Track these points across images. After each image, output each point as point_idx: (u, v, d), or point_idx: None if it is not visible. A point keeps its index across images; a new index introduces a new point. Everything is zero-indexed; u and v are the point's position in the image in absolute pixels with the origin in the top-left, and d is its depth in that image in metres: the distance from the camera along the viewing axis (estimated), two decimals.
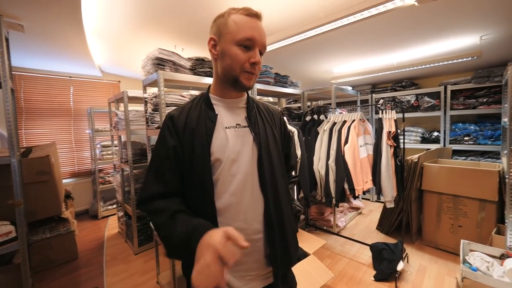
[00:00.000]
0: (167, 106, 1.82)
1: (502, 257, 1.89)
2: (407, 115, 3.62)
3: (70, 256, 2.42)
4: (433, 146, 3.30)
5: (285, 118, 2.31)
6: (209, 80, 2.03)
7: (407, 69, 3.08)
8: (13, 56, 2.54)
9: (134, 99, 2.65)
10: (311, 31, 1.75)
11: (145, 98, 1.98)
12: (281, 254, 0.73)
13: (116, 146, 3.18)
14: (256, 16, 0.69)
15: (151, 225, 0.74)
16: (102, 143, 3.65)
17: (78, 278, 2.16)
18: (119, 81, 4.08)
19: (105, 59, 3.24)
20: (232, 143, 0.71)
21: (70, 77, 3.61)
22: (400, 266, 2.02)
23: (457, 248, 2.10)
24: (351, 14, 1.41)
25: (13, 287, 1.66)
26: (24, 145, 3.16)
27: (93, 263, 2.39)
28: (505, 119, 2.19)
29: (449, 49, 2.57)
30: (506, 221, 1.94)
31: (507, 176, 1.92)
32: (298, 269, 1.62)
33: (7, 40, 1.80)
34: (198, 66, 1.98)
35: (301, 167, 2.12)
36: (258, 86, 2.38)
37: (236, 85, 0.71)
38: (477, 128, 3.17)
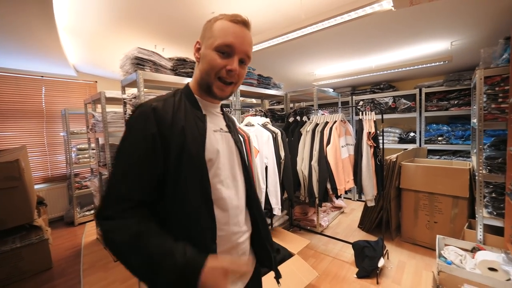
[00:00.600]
0: None
1: (474, 250, 2.01)
2: (385, 116, 3.77)
3: (44, 266, 2.27)
4: (409, 146, 3.46)
5: (268, 119, 2.32)
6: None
7: (385, 72, 3.20)
8: None
9: (112, 100, 2.54)
10: (292, 33, 1.78)
11: (124, 99, 1.90)
12: (261, 251, 0.79)
13: (93, 149, 3.03)
14: (243, 23, 0.68)
15: (110, 243, 0.55)
16: (78, 146, 3.47)
17: None
18: (96, 82, 3.91)
19: (80, 58, 3.09)
20: (221, 145, 0.71)
21: (42, 76, 3.41)
22: (381, 262, 2.08)
23: (433, 243, 2.21)
24: (332, 17, 1.44)
25: None
26: None
27: (69, 272, 2.25)
28: (474, 120, 2.34)
29: (423, 53, 2.71)
30: (477, 216, 2.06)
31: (477, 174, 2.05)
32: (283, 270, 1.63)
33: None
34: (180, 66, 1.94)
35: (285, 168, 2.14)
36: (241, 87, 2.37)
37: (209, 92, 0.70)
38: (449, 129, 3.36)
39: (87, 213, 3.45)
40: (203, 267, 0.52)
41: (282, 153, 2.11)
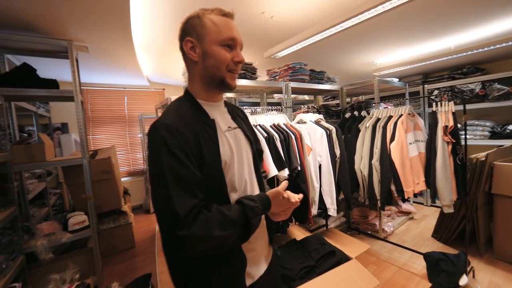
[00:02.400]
0: None
1: None
2: (470, 106, 3.12)
3: (129, 244, 2.75)
4: (507, 143, 2.78)
5: (321, 115, 2.22)
6: (244, 82, 2.07)
7: (469, 52, 2.65)
8: (80, 73, 2.99)
9: None
10: (348, 21, 1.64)
11: None
12: (272, 233, 0.86)
13: None
14: (231, 16, 0.71)
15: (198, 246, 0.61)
16: None
17: (135, 264, 2.45)
18: (164, 89, 4.46)
19: (151, 69, 3.58)
20: (234, 145, 0.73)
21: (124, 88, 4.09)
22: (464, 280, 1.75)
23: None
24: None
25: (88, 266, 1.97)
26: (92, 149, 3.70)
27: (147, 252, 2.67)
28: None
29: None
30: None
31: None
32: (339, 274, 1.54)
33: (77, 60, 2.13)
34: None
35: (341, 167, 2.00)
36: (292, 84, 2.33)
37: (222, 85, 0.71)
38: None
39: None
40: (269, 197, 0.71)
41: (338, 151, 1.99)
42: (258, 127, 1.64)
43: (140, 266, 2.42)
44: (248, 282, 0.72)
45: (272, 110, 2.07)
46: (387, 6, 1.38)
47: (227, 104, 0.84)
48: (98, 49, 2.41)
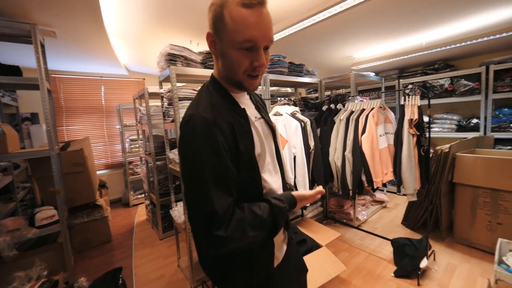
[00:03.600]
0: (180, 100, 1.89)
1: None
2: (440, 101, 3.29)
3: (105, 238, 2.70)
4: (471, 135, 2.97)
5: (297, 108, 2.26)
6: None
7: (439, 49, 2.77)
8: (50, 60, 2.82)
9: (154, 95, 2.79)
10: (325, 12, 1.66)
11: (161, 94, 2.07)
12: (289, 220, 0.87)
13: (141, 140, 3.41)
14: (256, 4, 0.58)
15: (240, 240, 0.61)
16: (130, 137, 3.94)
17: (111, 258, 2.42)
18: (144, 79, 4.32)
19: (129, 58, 3.44)
20: (263, 136, 0.73)
21: (101, 77, 3.92)
22: (424, 263, 1.89)
23: (494, 247, 1.89)
24: None
25: (59, 263, 1.92)
26: (66, 140, 3.54)
27: (124, 246, 2.64)
28: None
29: (490, 22, 2.25)
30: None
31: None
32: (309, 261, 1.61)
33: (42, 46, 2.01)
34: (209, 59, 2.01)
35: (315, 158, 2.06)
36: (271, 76, 2.34)
37: (240, 88, 0.69)
38: None
39: (139, 196, 3.94)
40: (296, 199, 0.72)
41: (312, 143, 2.04)
42: None
43: (117, 260, 2.39)
44: (276, 263, 0.76)
45: None
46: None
47: (249, 93, 0.81)
48: (67, 34, 2.29)
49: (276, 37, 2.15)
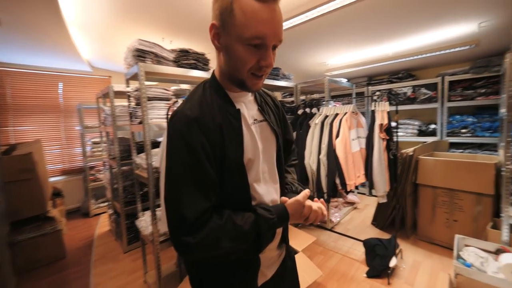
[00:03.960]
0: (149, 100, 1.75)
1: (498, 252, 1.83)
2: (403, 107, 3.54)
3: (58, 255, 2.37)
4: (430, 139, 3.23)
5: None
6: (196, 73, 1.95)
7: (403, 59, 2.98)
8: None
9: (121, 94, 2.57)
10: (301, 16, 1.66)
11: (127, 92, 1.90)
12: (287, 233, 0.79)
13: (105, 143, 3.12)
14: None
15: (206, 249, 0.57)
16: (92, 140, 3.59)
17: (65, 278, 2.12)
18: (110, 76, 3.99)
19: (94, 53, 3.15)
20: (259, 141, 0.67)
21: (59, 72, 3.53)
22: (393, 262, 1.97)
23: (452, 243, 2.04)
24: None
25: None
26: (13, 142, 3.10)
27: (82, 262, 2.35)
28: (502, 110, 2.11)
29: (446, 37, 2.48)
30: (502, 215, 1.88)
31: (503, 169, 1.85)
32: None
33: None
34: (182, 58, 1.90)
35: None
36: None
37: (242, 87, 0.63)
38: (475, 120, 3.09)
39: (101, 205, 3.58)
40: (286, 208, 0.64)
41: None
42: None
43: (71, 279, 2.11)
44: (261, 280, 0.70)
45: None
46: (332, 5, 1.43)
47: (257, 93, 0.74)
48: (14, 21, 2.00)
49: None
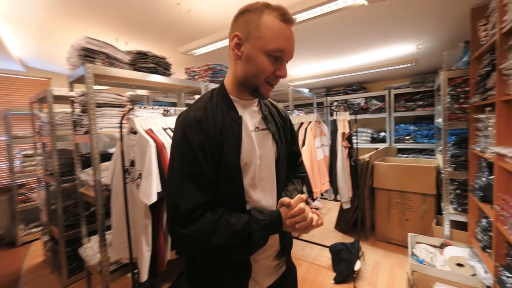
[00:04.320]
0: (98, 107, 1.52)
1: (442, 246, 2.06)
2: (358, 116, 3.85)
3: None
4: (381, 146, 3.55)
5: None
6: (156, 78, 1.78)
7: (357, 73, 3.25)
8: None
9: (62, 99, 2.21)
10: None
11: (71, 97, 1.64)
12: (288, 245, 0.81)
13: (40, 156, 2.64)
14: (292, 22, 0.63)
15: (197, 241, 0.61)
16: (23, 152, 3.01)
17: None
18: (50, 78, 3.46)
19: (28, 50, 2.69)
20: (257, 147, 0.70)
21: None
22: (357, 265, 2.05)
23: (405, 240, 2.23)
24: (310, 8, 1.33)
25: None
26: None
27: None
28: (439, 120, 2.43)
29: (392, 56, 2.78)
30: (444, 212, 2.12)
31: (443, 172, 2.11)
32: None
33: None
34: (140, 61, 1.72)
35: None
36: (212, 86, 2.21)
37: (255, 93, 0.68)
38: (416, 128, 3.52)
39: (33, 230, 2.98)
40: (280, 212, 0.65)
41: None
42: (169, 130, 1.41)
43: None
44: None
45: None
46: (298, 17, 1.45)
47: (262, 102, 0.78)
48: None
49: (218, 45, 2.05)
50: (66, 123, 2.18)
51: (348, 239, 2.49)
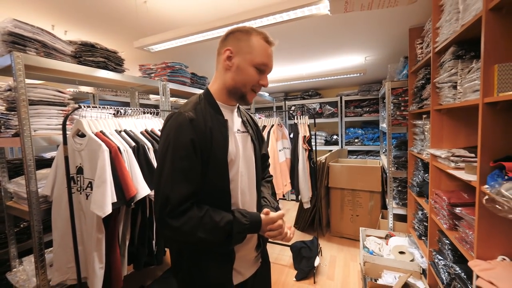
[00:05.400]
0: (32, 105, 1.28)
1: (387, 237, 2.32)
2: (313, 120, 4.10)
3: None
4: (334, 148, 3.85)
5: None
6: (105, 74, 1.59)
7: (313, 80, 3.46)
8: None
9: None
10: (224, 28, 1.63)
11: None
12: (264, 239, 0.89)
13: None
14: (273, 44, 0.78)
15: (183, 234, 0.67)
16: None
17: None
18: None
19: None
20: (240, 146, 0.81)
21: None
22: (317, 261, 2.16)
23: (357, 234, 2.46)
24: (277, 13, 1.35)
25: None
26: None
27: None
28: (383, 125, 2.75)
29: (343, 65, 3.05)
30: (388, 207, 2.40)
31: (387, 171, 2.39)
32: None
33: None
34: (86, 53, 1.51)
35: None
36: (171, 86, 2.08)
37: (241, 100, 0.80)
38: (363, 132, 3.92)
39: None
40: (261, 221, 0.74)
41: None
42: (123, 133, 1.27)
43: None
44: (237, 279, 0.80)
45: (145, 113, 1.71)
46: (264, 21, 1.47)
47: (241, 110, 0.91)
48: None
49: (177, 43, 1.94)
50: None
51: (307, 237, 2.61)
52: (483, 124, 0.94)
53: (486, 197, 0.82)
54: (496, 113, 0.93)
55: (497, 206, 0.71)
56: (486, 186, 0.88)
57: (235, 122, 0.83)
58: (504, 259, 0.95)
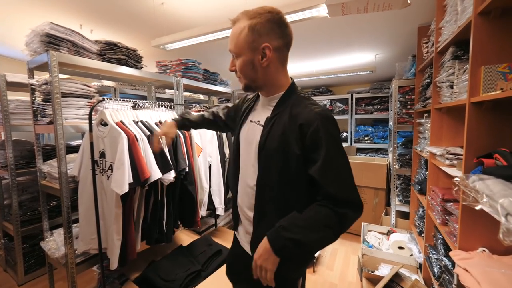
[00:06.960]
0: (64, 97, 1.47)
1: (388, 233, 2.37)
2: None
3: None
4: (344, 145, 3.86)
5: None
6: (126, 70, 1.76)
7: (324, 76, 3.49)
8: None
9: (17, 86, 2.05)
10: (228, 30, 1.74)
11: (31, 85, 1.55)
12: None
13: None
14: (232, 23, 0.79)
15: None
16: None
17: None
18: None
19: None
20: (246, 134, 0.85)
21: None
22: (318, 252, 2.26)
23: (360, 229, 2.51)
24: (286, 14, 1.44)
25: None
26: None
27: None
28: (390, 123, 2.75)
29: (354, 63, 3.06)
30: (391, 204, 2.44)
31: (392, 169, 2.41)
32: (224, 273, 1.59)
33: None
34: (109, 51, 1.68)
35: (229, 167, 2.10)
36: (184, 81, 2.22)
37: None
38: (373, 130, 3.90)
39: None
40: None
41: (227, 151, 2.07)
42: (140, 123, 1.43)
43: None
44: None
45: (160, 106, 1.87)
46: None
47: (288, 107, 0.76)
48: None
49: (191, 41, 2.07)
50: (23, 112, 2.04)
51: None
52: (469, 122, 0.99)
53: (456, 188, 0.88)
54: (482, 112, 0.97)
55: (463, 196, 0.78)
56: (456, 178, 0.94)
57: (259, 113, 0.85)
58: (484, 250, 1.01)
